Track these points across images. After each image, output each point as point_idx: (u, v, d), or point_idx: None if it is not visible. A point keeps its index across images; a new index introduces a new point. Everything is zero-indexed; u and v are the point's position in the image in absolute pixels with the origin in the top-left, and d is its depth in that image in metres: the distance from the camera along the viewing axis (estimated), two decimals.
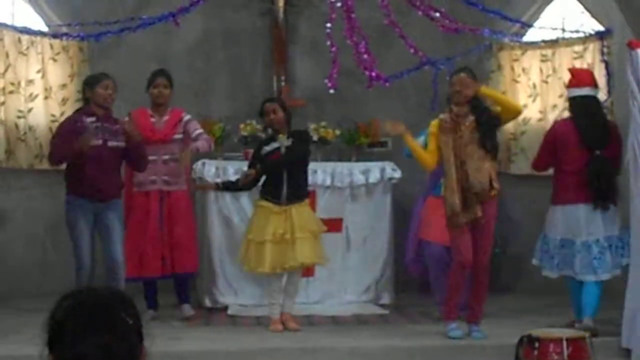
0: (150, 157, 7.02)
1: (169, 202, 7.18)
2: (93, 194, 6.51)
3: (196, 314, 7.29)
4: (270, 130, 7.18)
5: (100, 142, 6.51)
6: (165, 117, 7.28)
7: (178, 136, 7.25)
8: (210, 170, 7.78)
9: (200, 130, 7.31)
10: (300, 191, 6.87)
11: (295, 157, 6.85)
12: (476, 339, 6.37)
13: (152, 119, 7.25)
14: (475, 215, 6.27)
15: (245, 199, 7.76)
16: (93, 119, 6.55)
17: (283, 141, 6.85)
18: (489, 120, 6.39)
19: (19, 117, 8.13)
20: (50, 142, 6.81)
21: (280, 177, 6.76)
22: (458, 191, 6.24)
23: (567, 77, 8.53)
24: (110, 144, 6.56)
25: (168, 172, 7.18)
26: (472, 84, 6.42)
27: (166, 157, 7.17)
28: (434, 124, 6.52)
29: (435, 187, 7.06)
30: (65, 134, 6.52)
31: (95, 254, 6.63)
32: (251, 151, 7.34)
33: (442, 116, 6.51)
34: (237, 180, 7.01)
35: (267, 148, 6.90)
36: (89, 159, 6.41)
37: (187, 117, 7.33)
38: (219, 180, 7.45)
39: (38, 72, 8.30)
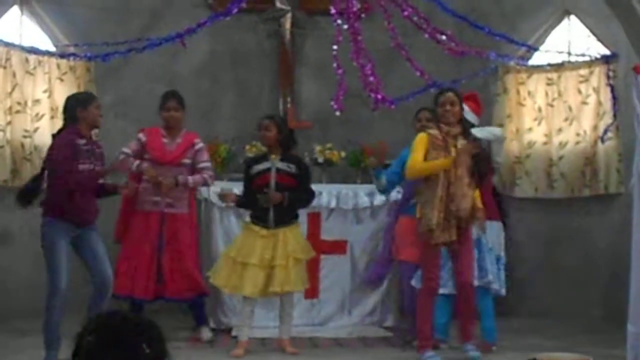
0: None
1: (170, 225, 7.13)
2: (77, 218, 6.10)
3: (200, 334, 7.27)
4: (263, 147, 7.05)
5: (92, 166, 6.12)
6: (178, 140, 7.24)
7: (187, 161, 7.20)
8: (216, 191, 7.75)
9: (207, 164, 7.29)
10: (288, 215, 6.71)
11: (287, 186, 6.68)
12: (474, 358, 6.33)
13: (164, 140, 7.20)
14: (451, 238, 6.20)
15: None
16: (84, 141, 6.11)
17: (275, 162, 6.73)
18: (483, 155, 6.41)
19: (24, 137, 8.13)
20: (57, 165, 6.07)
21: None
22: (439, 210, 6.18)
23: (573, 100, 8.56)
24: (98, 168, 6.21)
25: (172, 195, 7.12)
26: (459, 103, 6.40)
27: (172, 180, 7.08)
28: (423, 136, 6.37)
29: (408, 207, 6.94)
30: (70, 158, 6.02)
31: (70, 277, 6.12)
32: None
33: (431, 131, 6.40)
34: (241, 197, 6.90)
35: (257, 167, 6.76)
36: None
37: (199, 144, 7.28)
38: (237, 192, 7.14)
39: (45, 91, 8.31)
